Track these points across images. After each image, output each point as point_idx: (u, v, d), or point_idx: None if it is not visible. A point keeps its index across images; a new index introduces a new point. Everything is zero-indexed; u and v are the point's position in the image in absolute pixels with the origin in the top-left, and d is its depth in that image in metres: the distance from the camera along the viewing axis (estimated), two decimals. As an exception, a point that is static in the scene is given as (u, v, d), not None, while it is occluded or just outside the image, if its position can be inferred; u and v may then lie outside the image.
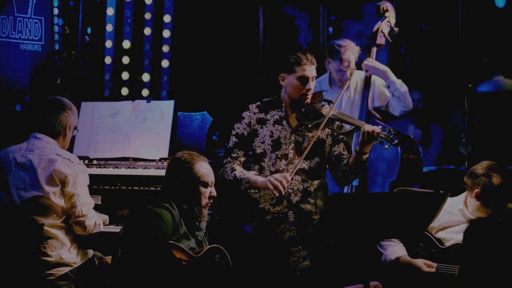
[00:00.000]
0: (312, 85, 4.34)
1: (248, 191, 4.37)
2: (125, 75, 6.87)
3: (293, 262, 4.14)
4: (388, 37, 5.93)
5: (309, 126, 4.38)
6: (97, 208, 4.50)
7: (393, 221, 3.68)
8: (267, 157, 4.40)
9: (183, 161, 4.14)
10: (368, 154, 4.26)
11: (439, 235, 4.46)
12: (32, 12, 5.86)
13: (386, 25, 5.91)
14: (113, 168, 5.07)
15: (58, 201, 4.17)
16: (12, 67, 5.75)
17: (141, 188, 4.96)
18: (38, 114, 4.35)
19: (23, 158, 4.23)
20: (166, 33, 6.89)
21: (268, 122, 4.43)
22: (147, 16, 6.89)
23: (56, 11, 6.23)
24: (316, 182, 4.40)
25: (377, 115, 5.94)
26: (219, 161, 5.08)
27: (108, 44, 6.81)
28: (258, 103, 4.51)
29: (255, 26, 8.30)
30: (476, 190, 4.36)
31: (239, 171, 4.36)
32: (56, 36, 6.25)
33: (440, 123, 7.80)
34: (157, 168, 5.01)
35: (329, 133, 4.45)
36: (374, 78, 5.90)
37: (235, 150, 4.44)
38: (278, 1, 8.49)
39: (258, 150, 4.42)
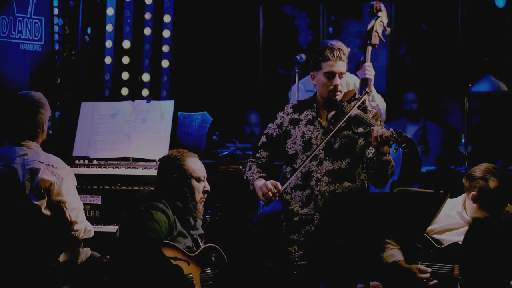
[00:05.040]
0: (339, 81, 4.24)
1: (283, 195, 4.32)
2: (125, 75, 6.87)
3: (290, 261, 4.12)
4: (382, 37, 5.91)
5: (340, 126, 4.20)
6: (97, 208, 4.49)
7: (393, 221, 3.67)
8: (298, 158, 4.30)
9: (173, 158, 4.16)
10: (388, 155, 4.09)
11: (438, 237, 4.44)
12: (32, 12, 5.85)
13: (379, 25, 5.88)
14: (113, 168, 5.07)
15: (48, 212, 4.04)
16: (12, 67, 5.75)
17: (141, 188, 4.95)
18: (13, 118, 4.14)
19: (6, 169, 4.04)
20: (166, 33, 6.90)
21: (301, 123, 4.35)
22: (147, 16, 6.89)
23: (56, 11, 6.22)
24: (345, 184, 4.27)
25: None
26: (219, 161, 5.10)
27: (108, 44, 6.81)
28: (295, 103, 4.46)
29: (255, 26, 8.32)
30: (473, 192, 4.35)
31: (251, 172, 4.32)
32: (56, 36, 6.24)
33: (439, 123, 7.81)
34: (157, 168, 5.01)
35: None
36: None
37: (260, 150, 4.40)
38: (278, 1, 8.51)
39: (290, 152, 4.33)
